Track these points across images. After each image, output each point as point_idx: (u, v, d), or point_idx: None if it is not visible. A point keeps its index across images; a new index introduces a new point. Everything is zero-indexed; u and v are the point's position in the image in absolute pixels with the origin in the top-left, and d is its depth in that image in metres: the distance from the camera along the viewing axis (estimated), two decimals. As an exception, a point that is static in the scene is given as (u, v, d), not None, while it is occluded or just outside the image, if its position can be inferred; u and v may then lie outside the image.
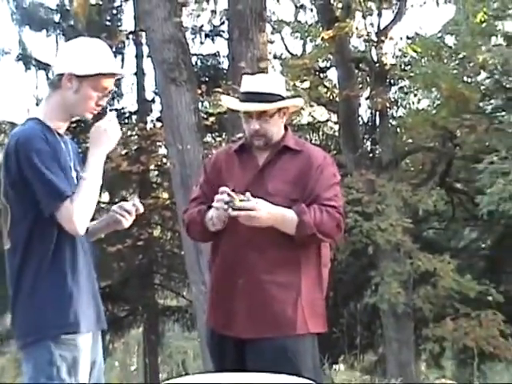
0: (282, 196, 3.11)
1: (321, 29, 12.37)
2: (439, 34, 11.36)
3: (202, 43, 15.48)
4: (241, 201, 2.98)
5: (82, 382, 2.76)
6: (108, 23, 15.66)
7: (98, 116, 3.01)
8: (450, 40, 11.48)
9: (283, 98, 3.24)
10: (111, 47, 14.64)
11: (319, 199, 3.12)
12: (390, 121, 12.97)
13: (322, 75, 13.50)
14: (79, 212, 2.74)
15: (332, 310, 11.88)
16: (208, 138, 13.22)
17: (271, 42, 12.78)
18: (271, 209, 3.04)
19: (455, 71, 11.13)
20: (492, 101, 12.89)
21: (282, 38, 13.90)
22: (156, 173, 15.78)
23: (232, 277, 3.17)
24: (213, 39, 15.53)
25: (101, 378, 2.94)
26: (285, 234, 3.09)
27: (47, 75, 15.07)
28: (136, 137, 14.57)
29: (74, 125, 15.08)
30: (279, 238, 3.10)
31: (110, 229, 3.06)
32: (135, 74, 15.67)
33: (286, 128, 3.31)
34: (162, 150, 14.30)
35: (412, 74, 11.45)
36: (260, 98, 3.17)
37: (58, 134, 2.84)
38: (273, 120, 3.21)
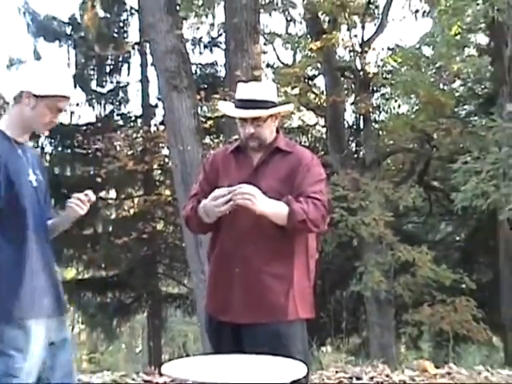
0: (274, 192, 3.08)
1: (309, 40, 12.37)
2: (417, 46, 11.37)
3: (201, 53, 15.50)
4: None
5: (33, 359, 2.74)
6: (115, 35, 15.65)
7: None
8: (427, 51, 11.50)
9: (275, 105, 3.22)
10: (118, 57, 14.47)
11: (305, 193, 3.09)
12: (373, 124, 12.97)
13: (310, 82, 13.50)
14: None
15: (320, 298, 11.88)
16: (207, 140, 13.20)
17: (264, 53, 12.78)
18: (265, 199, 3.02)
19: (432, 79, 11.15)
20: (466, 106, 12.93)
21: (274, 49, 13.91)
22: (159, 171, 15.76)
23: (229, 267, 3.14)
24: (211, 50, 15.53)
25: (68, 360, 2.92)
26: (278, 228, 3.07)
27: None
28: (141, 139, 14.56)
29: (85, 128, 15.09)
30: (273, 232, 3.07)
31: (71, 219, 3.07)
32: (140, 81, 15.66)
33: (277, 131, 3.30)
34: (165, 151, 14.29)
35: (393, 82, 11.46)
36: (254, 105, 3.15)
37: (17, 142, 2.88)
38: (266, 124, 3.20)
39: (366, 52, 12.03)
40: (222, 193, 3.03)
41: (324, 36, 11.28)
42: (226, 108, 3.38)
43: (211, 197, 3.07)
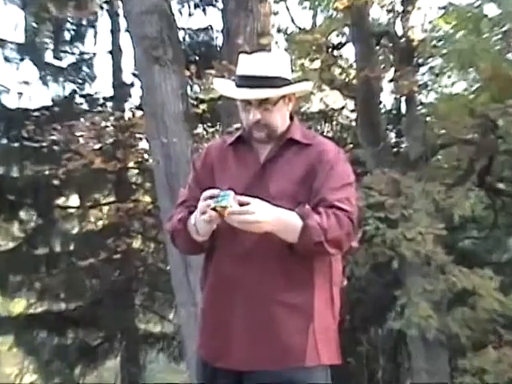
0: (287, 199, 3.08)
1: (334, -3, 12.39)
2: (478, 3, 11.38)
3: (190, 15, 15.55)
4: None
5: None
6: (77, -9, 15.72)
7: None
8: (490, 9, 11.50)
9: (289, 82, 3.22)
10: (81, 20, 14.52)
11: (326, 201, 3.09)
12: (419, 108, 12.97)
13: (335, 53, 13.51)
14: None
15: (349, 337, 11.89)
16: (199, 130, 13.22)
17: (275, 14, 12.80)
18: (271, 210, 3.01)
19: (497, 47, 11.14)
20: (543, 83, 12.89)
21: (288, 9, 13.92)
22: (136, 171, 15.81)
23: (229, 297, 3.16)
24: (204, 10, 15.60)
25: None
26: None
27: (3, 52, 15.15)
28: (111, 128, 14.60)
29: (37, 113, 15.13)
30: (287, 251, 3.07)
31: None
32: (110, 52, 15.72)
33: (291, 117, 3.31)
34: (143, 144, 14.34)
35: (445, 52, 11.45)
36: (261, 83, 3.15)
37: None
38: (276, 108, 3.20)
39: (410, 12, 12.05)
40: (210, 202, 3.02)
41: (353, -9, 11.32)
42: (223, 87, 3.39)
43: (199, 205, 3.07)
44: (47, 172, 14.45)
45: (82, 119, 14.69)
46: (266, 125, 3.20)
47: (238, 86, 3.22)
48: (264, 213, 2.97)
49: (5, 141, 15.21)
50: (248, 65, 3.22)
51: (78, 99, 15.87)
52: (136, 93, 15.41)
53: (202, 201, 3.05)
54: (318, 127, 14.34)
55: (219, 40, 14.68)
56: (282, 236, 3.05)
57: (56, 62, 15.69)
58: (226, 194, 2.97)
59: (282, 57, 3.33)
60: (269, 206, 3.01)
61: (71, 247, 15.61)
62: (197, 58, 14.22)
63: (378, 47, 12.77)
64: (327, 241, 3.02)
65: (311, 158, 3.20)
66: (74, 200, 16.06)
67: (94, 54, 15.93)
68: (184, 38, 15.03)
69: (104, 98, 15.95)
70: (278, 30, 13.72)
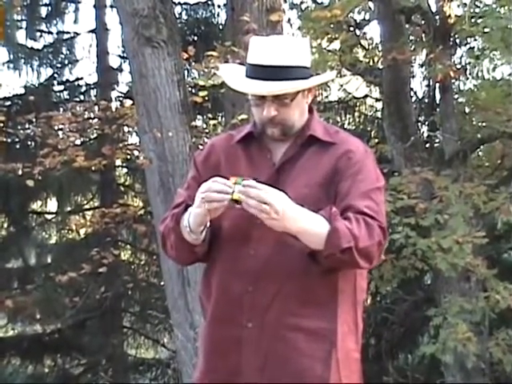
0: (308, 206, 3.02)
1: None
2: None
3: (188, -13, 15.60)
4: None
5: None
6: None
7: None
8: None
9: (309, 73, 3.16)
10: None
11: (354, 208, 3.05)
12: (456, 96, 12.97)
13: (358, 32, 13.51)
14: None
15: (374, 364, 11.87)
16: (198, 122, 13.25)
17: (287, -14, 12.83)
18: (293, 205, 2.97)
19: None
20: None
21: (302, -20, 13.95)
22: (124, 171, 15.82)
23: (236, 319, 3.14)
24: (204, -19, 15.63)
25: None
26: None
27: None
28: (96, 120, 14.61)
29: (9, 103, 15.16)
30: (308, 264, 3.05)
31: None
32: (94, 31, 15.73)
33: (310, 110, 3.27)
34: (133, 139, 14.35)
35: (487, 30, 11.44)
36: (276, 75, 3.11)
37: None
38: (294, 103, 3.16)
39: (445, -16, 12.06)
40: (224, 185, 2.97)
41: (378, -40, 11.33)
42: (231, 77, 3.30)
43: (205, 186, 3.02)
44: (20, 171, 14.48)
45: (61, 110, 14.71)
46: (282, 123, 3.17)
47: (250, 76, 3.17)
48: (284, 201, 2.94)
49: (-31, 135, 15.25)
50: (261, 51, 3.15)
51: (57, 86, 15.88)
52: (124, 79, 15.44)
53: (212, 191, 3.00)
54: (338, 119, 14.33)
55: (222, 17, 14.72)
56: (306, 240, 2.99)
57: (30, 43, 15.71)
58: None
59: (300, 41, 3.27)
60: (293, 205, 2.97)
61: (48, 259, 15.63)
62: (195, 38, 14.25)
63: (407, 25, 12.77)
64: (358, 249, 2.98)
65: (335, 158, 3.17)
66: (51, 204, 16.08)
67: (75, 33, 15.96)
68: (181, 15, 15.06)
69: (87, 85, 15.96)
70: (291, 5, 13.75)
